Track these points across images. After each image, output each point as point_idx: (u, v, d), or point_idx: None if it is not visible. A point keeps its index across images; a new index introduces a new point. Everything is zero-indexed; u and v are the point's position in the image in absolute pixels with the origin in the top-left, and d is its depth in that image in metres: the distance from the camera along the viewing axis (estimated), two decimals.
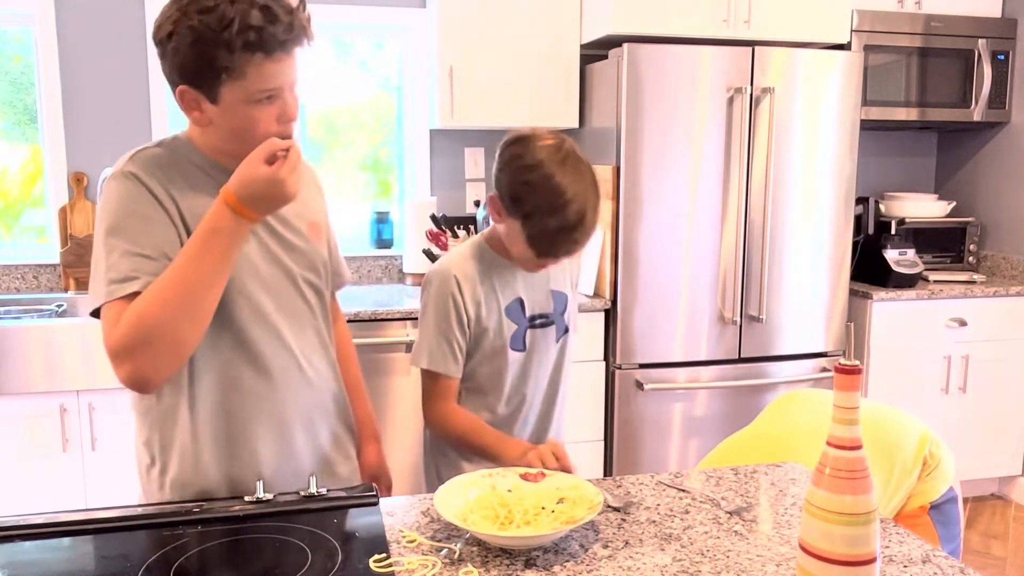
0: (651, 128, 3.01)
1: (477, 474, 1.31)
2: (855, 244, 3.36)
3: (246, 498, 1.28)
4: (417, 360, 1.59)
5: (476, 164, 3.62)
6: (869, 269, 3.52)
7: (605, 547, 1.18)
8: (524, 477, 1.32)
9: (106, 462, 2.78)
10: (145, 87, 3.28)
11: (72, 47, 3.20)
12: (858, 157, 3.25)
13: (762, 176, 3.12)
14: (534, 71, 3.29)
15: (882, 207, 3.69)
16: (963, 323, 3.43)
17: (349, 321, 2.88)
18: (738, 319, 3.18)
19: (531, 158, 1.45)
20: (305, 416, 1.43)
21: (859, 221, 3.49)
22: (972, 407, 3.51)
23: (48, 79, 3.18)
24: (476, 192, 3.63)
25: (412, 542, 1.18)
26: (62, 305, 3.11)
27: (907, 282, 3.42)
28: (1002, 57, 3.61)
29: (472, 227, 3.47)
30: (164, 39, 1.22)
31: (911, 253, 3.47)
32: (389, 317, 2.95)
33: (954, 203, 3.77)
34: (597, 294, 3.20)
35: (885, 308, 3.36)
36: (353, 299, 3.11)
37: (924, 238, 3.65)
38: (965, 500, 3.27)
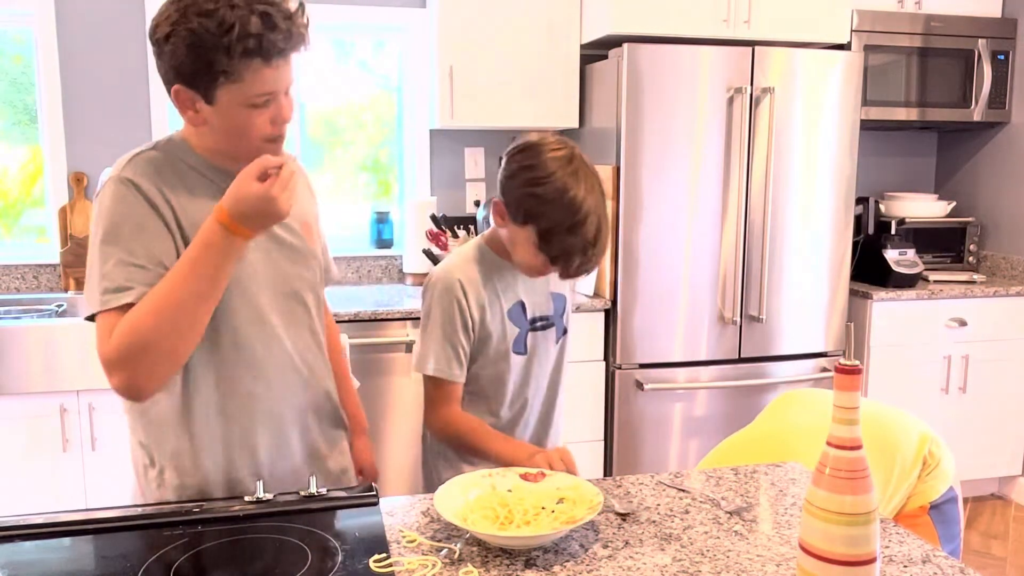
0: (651, 128, 3.01)
1: (477, 474, 1.31)
2: (855, 244, 3.36)
3: (246, 498, 1.28)
4: (421, 366, 1.57)
5: (476, 164, 3.62)
6: (869, 269, 3.52)
7: (605, 547, 1.18)
8: (524, 477, 1.32)
9: (106, 462, 2.78)
10: (145, 87, 3.28)
11: (72, 47, 3.21)
12: (858, 157, 3.25)
13: (762, 176, 3.12)
14: (534, 71, 3.29)
15: (882, 207, 3.69)
16: (963, 323, 3.43)
17: (349, 321, 2.89)
18: (738, 319, 3.18)
19: (542, 169, 1.44)
20: (300, 415, 1.43)
21: (859, 221, 3.49)
22: (972, 407, 3.51)
23: (48, 79, 3.18)
24: (476, 192, 3.63)
25: (412, 542, 1.18)
26: (62, 305, 3.11)
27: (907, 282, 3.42)
28: (1002, 57, 3.61)
29: (472, 227, 3.47)
30: (161, 39, 1.22)
31: (911, 253, 3.47)
32: (389, 317, 2.95)
33: (954, 203, 3.77)
34: (597, 294, 3.20)
35: (885, 308, 3.36)
36: (353, 299, 3.11)
37: (924, 238, 3.65)
38: (965, 500, 3.26)
